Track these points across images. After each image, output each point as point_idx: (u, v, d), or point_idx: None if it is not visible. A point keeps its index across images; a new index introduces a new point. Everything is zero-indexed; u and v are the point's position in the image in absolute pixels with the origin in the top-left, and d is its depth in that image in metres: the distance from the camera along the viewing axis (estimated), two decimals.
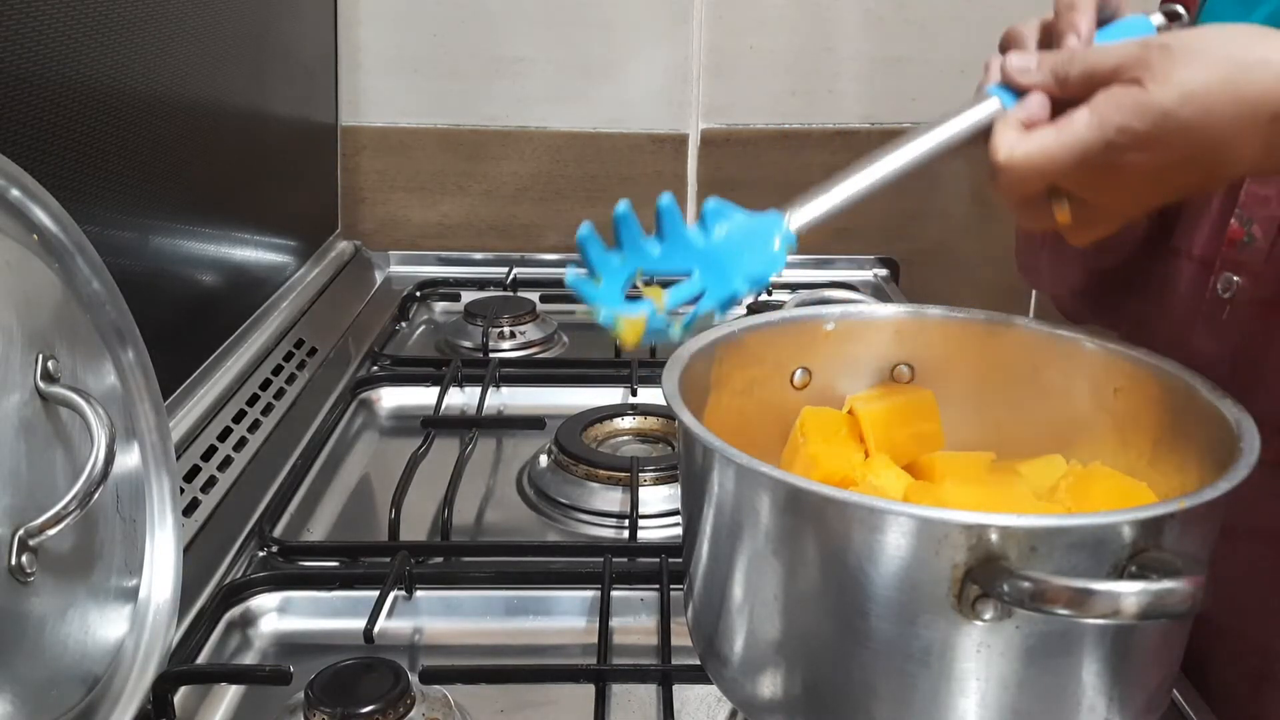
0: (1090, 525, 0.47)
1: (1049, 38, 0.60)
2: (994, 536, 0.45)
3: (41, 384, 0.53)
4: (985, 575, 0.45)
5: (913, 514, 0.47)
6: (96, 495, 0.53)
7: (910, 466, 0.63)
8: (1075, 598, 0.42)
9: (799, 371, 0.66)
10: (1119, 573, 0.45)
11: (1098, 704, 0.49)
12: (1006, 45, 0.61)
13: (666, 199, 0.53)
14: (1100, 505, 0.56)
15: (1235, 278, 0.67)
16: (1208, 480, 0.49)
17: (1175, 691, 0.64)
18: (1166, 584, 0.43)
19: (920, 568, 0.47)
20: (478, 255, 1.43)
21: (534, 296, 1.26)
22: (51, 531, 0.51)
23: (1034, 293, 1.54)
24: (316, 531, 0.85)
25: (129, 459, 0.63)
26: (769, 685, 0.54)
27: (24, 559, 0.50)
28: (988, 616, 0.46)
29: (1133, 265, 0.80)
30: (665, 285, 0.54)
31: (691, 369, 0.60)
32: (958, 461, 0.64)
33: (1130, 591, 0.42)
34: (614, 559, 0.76)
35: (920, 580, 0.47)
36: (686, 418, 0.54)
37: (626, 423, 0.98)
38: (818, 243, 1.42)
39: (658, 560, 0.76)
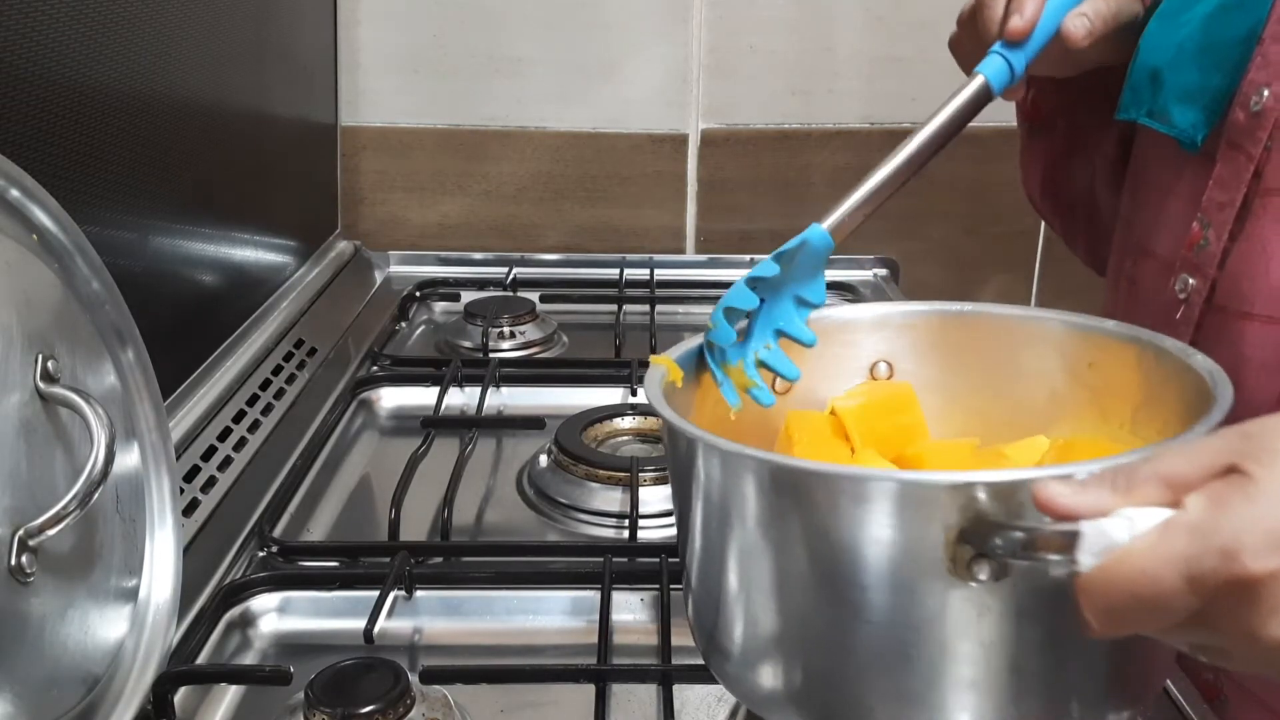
0: (1072, 472, 0.46)
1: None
2: (981, 494, 0.45)
3: (41, 384, 0.53)
4: (976, 533, 0.45)
5: (898, 479, 0.48)
6: (96, 495, 0.53)
7: (898, 459, 0.63)
8: (1067, 541, 0.42)
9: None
10: None
11: (1101, 659, 0.49)
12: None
13: (768, 265, 0.59)
14: None
15: (1190, 279, 0.67)
16: None
17: (1175, 690, 0.64)
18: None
19: (911, 534, 0.47)
20: (477, 255, 1.42)
21: (534, 296, 1.26)
22: (51, 531, 0.51)
23: (1034, 290, 1.55)
24: (316, 531, 0.85)
25: (129, 459, 0.63)
26: (772, 673, 0.54)
27: (24, 559, 0.50)
28: (983, 577, 0.46)
29: (1103, 260, 0.81)
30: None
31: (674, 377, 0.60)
32: (943, 450, 0.64)
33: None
34: (614, 559, 0.76)
35: (912, 547, 0.47)
36: (667, 413, 0.54)
37: (626, 423, 0.98)
38: None
39: (657, 560, 0.76)
